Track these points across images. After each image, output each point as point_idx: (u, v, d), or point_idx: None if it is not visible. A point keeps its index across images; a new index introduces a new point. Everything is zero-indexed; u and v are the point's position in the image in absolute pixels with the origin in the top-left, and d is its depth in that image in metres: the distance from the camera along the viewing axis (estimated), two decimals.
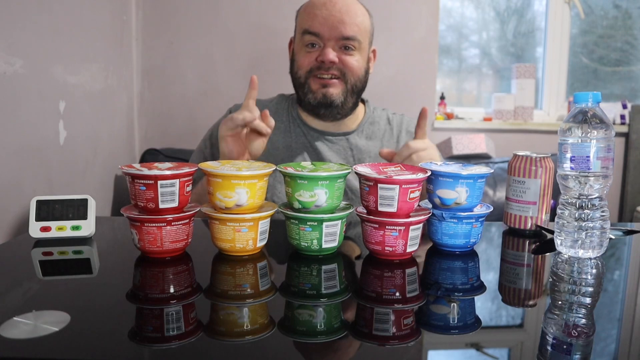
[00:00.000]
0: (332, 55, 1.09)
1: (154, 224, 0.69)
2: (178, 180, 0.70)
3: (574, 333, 0.53)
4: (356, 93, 1.16)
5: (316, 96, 1.13)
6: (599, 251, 0.74)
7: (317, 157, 1.17)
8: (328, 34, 1.10)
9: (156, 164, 0.75)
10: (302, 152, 1.17)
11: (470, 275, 0.72)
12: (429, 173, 0.74)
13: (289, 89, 1.31)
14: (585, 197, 0.73)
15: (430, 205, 0.79)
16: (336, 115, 1.17)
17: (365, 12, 1.16)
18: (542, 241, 0.88)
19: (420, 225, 0.72)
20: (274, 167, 0.74)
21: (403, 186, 0.69)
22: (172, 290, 0.63)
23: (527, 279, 0.74)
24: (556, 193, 0.79)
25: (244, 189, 0.70)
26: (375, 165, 0.78)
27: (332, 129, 1.19)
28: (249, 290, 0.64)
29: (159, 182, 0.69)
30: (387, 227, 0.70)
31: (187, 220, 0.72)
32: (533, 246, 0.87)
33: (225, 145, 0.96)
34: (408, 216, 0.72)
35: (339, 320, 0.57)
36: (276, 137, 1.18)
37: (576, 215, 0.73)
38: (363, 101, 1.26)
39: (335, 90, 1.13)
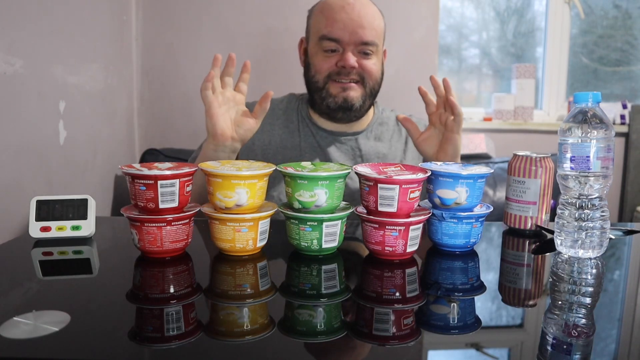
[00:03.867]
0: (352, 60, 1.09)
1: (154, 224, 0.69)
2: (178, 180, 0.70)
3: (574, 333, 0.53)
4: (373, 96, 1.17)
5: (337, 100, 1.12)
6: (599, 251, 0.74)
7: (325, 158, 1.17)
8: (348, 39, 1.09)
9: (156, 164, 0.75)
10: (310, 152, 1.17)
11: (470, 275, 0.72)
12: (429, 173, 0.74)
13: (291, 89, 1.31)
14: (585, 197, 0.73)
15: (430, 205, 0.79)
16: (352, 118, 1.17)
17: (380, 14, 1.15)
18: (542, 241, 0.88)
19: (420, 225, 0.72)
20: (274, 167, 0.74)
21: (403, 186, 0.69)
22: (172, 290, 0.63)
23: (527, 279, 0.74)
24: (556, 193, 0.79)
25: (244, 189, 0.70)
26: (375, 165, 0.78)
27: (342, 130, 1.19)
28: (249, 290, 0.64)
29: (159, 182, 0.69)
30: (387, 227, 0.70)
31: (187, 220, 0.72)
32: (533, 246, 0.87)
33: (209, 119, 0.94)
34: (408, 216, 0.72)
35: (339, 320, 0.57)
36: (285, 136, 1.18)
37: (576, 215, 0.73)
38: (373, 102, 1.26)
39: (355, 94, 1.12)
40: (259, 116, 0.98)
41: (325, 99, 1.14)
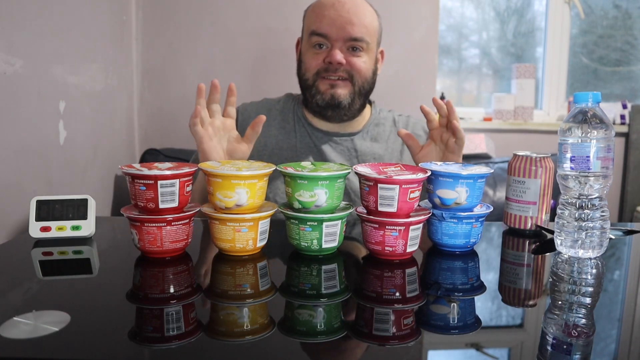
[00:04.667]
0: (339, 56, 1.09)
1: (154, 224, 0.69)
2: (178, 180, 0.70)
3: (574, 333, 0.53)
4: (364, 95, 1.16)
5: (324, 97, 1.12)
6: (599, 251, 0.74)
7: (321, 158, 1.16)
8: (336, 35, 1.09)
9: (156, 164, 0.75)
10: (306, 153, 1.17)
11: (470, 275, 0.72)
12: (429, 173, 0.74)
13: (291, 89, 1.31)
14: (585, 197, 0.73)
15: (430, 205, 0.79)
16: (343, 117, 1.17)
17: (374, 13, 1.15)
18: (542, 241, 0.88)
19: (420, 225, 0.72)
20: (274, 167, 0.74)
21: (403, 186, 0.69)
22: (172, 290, 0.63)
23: (527, 279, 0.74)
24: (556, 193, 0.79)
25: (244, 189, 0.70)
26: (375, 165, 0.78)
27: (337, 130, 1.19)
28: (249, 290, 0.64)
29: (159, 182, 0.69)
30: (387, 227, 0.70)
31: (187, 220, 0.72)
32: (533, 246, 0.87)
33: (202, 154, 0.95)
34: (408, 216, 0.72)
35: (339, 320, 0.57)
36: (281, 137, 1.18)
37: (576, 215, 0.73)
38: (369, 102, 1.26)
39: (343, 91, 1.12)
40: (250, 140, 0.99)
41: (314, 96, 1.14)
